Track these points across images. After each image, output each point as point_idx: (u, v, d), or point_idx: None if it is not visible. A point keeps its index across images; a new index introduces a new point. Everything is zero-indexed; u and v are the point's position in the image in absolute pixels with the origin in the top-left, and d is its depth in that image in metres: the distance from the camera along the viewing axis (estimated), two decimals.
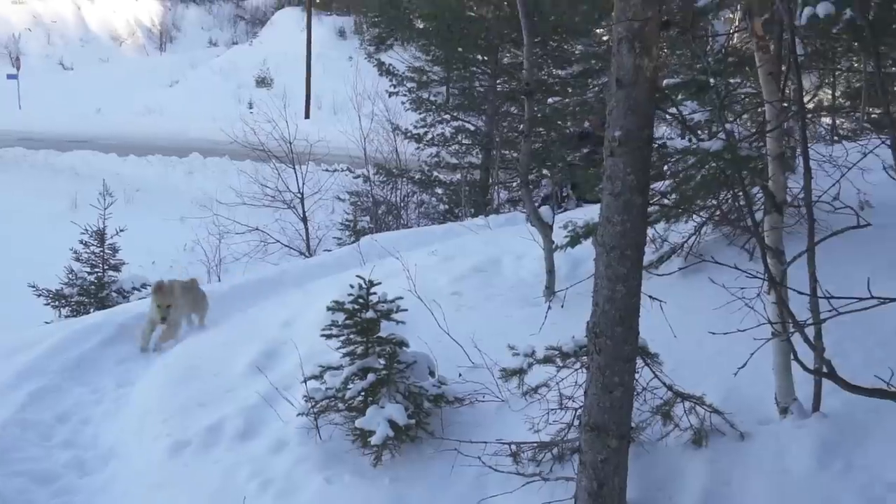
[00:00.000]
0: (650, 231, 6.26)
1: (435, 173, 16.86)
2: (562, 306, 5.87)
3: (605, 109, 3.25)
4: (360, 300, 4.95)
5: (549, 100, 15.42)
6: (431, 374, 5.08)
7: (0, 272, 15.12)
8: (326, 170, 17.81)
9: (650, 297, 3.88)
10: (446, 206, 16.90)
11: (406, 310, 5.16)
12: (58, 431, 6.26)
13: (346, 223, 15.48)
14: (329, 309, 5.11)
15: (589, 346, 3.41)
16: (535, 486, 3.97)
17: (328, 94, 28.33)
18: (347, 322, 4.95)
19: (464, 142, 16.79)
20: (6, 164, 22.06)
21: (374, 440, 4.54)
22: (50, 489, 5.46)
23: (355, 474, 4.60)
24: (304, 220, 16.35)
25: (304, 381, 5.14)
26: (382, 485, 4.45)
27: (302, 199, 16.19)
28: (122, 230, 11.94)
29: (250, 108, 26.47)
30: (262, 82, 31.53)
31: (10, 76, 28.01)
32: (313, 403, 5.00)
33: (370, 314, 4.89)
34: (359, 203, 17.13)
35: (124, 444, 5.94)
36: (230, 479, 4.67)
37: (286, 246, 15.77)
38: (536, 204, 11.98)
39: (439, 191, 17.12)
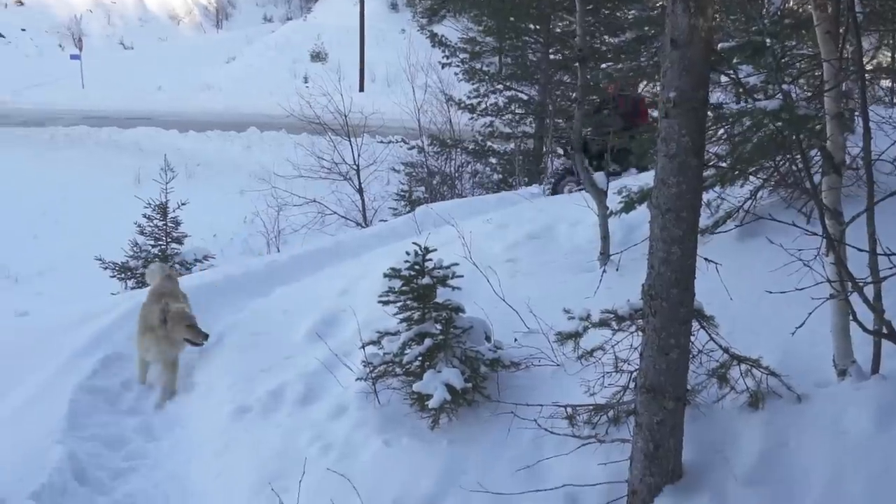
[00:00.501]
0: (706, 195, 6.20)
1: (489, 143, 16.82)
2: (616, 270, 5.83)
3: (660, 72, 3.21)
4: (417, 267, 4.98)
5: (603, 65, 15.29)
6: (487, 338, 5.10)
7: (69, 246, 15.57)
8: (381, 141, 17.87)
9: (706, 259, 3.85)
10: (500, 176, 16.88)
11: (462, 276, 5.17)
12: (125, 398, 6.44)
13: (402, 193, 15.56)
14: (386, 276, 5.14)
15: (644, 308, 3.39)
16: (590, 447, 3.97)
17: (381, 66, 28.34)
18: (404, 288, 4.98)
19: (517, 111, 16.72)
20: (72, 141, 22.53)
21: (431, 403, 4.58)
22: (120, 453, 5.63)
23: (413, 437, 4.65)
24: (360, 191, 16.50)
25: (363, 347, 5.19)
26: (440, 447, 4.49)
27: (357, 171, 16.33)
28: (183, 204, 12.15)
29: (305, 82, 26.63)
30: (317, 57, 31.65)
31: (73, 56, 28.54)
32: (371, 368, 5.06)
33: (426, 280, 4.92)
34: (413, 174, 17.21)
35: (189, 410, 6.09)
36: (291, 443, 4.76)
37: (343, 217, 15.94)
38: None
39: (493, 160, 17.10)
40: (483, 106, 16.51)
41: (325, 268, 9.24)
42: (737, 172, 4.47)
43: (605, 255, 6.16)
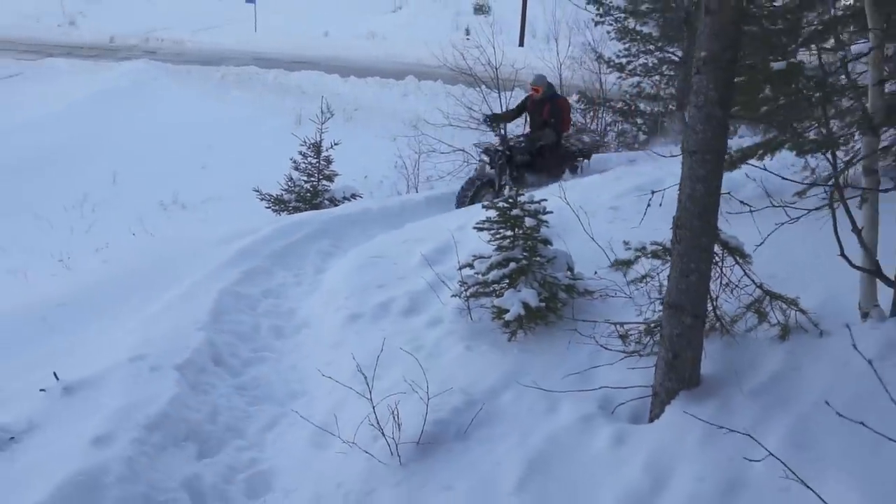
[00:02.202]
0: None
1: (636, 103, 17.17)
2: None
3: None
4: (510, 200, 5.77)
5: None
6: (570, 269, 5.85)
7: (232, 178, 17.10)
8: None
9: (741, 202, 4.44)
10: (646, 136, 17.21)
11: (551, 212, 5.93)
12: (262, 304, 7.54)
13: None
14: (484, 207, 5.98)
15: (672, 236, 4.06)
16: (633, 359, 4.69)
17: (542, 22, 28.74)
18: (497, 218, 5.79)
19: (666, 72, 16.94)
20: (241, 81, 24.29)
21: (507, 317, 5.40)
22: (250, 346, 6.72)
23: (491, 346, 5.48)
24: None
25: (460, 269, 6.05)
26: (511, 354, 5.30)
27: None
28: (336, 144, 13.25)
29: (467, 34, 27.44)
30: (480, 9, 32.39)
31: (248, 0, 30.40)
32: (465, 287, 5.91)
33: (516, 212, 5.70)
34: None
35: (314, 316, 7.13)
36: (390, 342, 5.66)
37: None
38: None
39: (639, 121, 17.43)
40: (632, 66, 16.83)
41: (453, 208, 10.20)
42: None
43: None
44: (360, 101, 23.13)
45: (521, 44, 28.76)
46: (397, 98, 23.69)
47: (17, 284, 10.27)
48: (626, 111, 17.24)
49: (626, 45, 16.91)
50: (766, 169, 5.09)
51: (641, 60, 16.89)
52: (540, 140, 11.39)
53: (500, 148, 11.38)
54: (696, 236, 3.93)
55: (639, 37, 16.88)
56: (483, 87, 17.43)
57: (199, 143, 19.52)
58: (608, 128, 17.93)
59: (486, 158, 11.62)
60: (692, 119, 3.82)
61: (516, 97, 17.52)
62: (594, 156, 12.46)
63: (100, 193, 17.01)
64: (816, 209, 4.35)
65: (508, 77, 17.12)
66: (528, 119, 12.01)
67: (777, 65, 3.79)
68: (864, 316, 4.37)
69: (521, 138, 11.78)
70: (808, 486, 2.95)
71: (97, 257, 10.90)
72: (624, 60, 16.79)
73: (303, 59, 26.40)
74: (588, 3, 17.38)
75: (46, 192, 17.07)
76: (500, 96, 17.24)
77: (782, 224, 4.30)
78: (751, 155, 6.64)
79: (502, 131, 11.67)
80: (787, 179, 4.70)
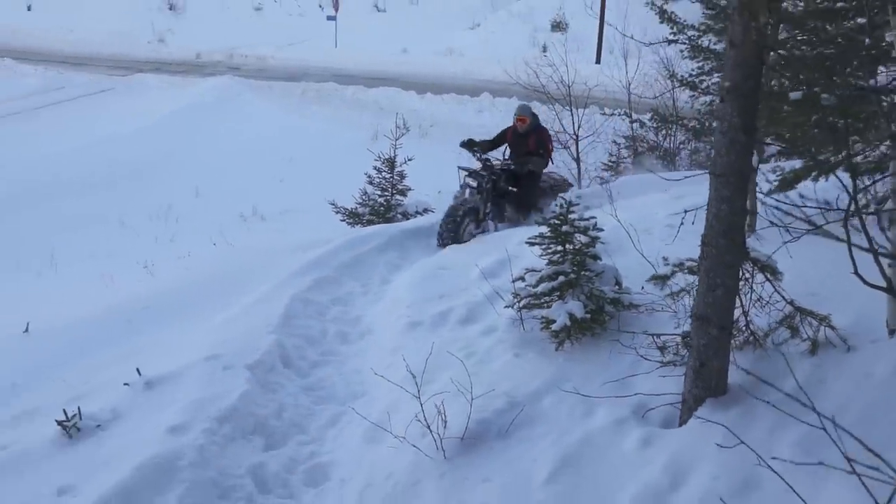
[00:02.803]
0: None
1: (709, 122, 17.29)
2: (757, 240, 6.67)
3: None
4: (561, 217, 6.14)
5: None
6: (617, 283, 6.18)
7: (308, 191, 17.78)
8: (602, 113, 18.84)
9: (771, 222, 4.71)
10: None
11: (602, 229, 6.27)
12: (330, 311, 8.04)
13: (611, 163, 16.45)
14: (536, 223, 6.36)
15: (700, 253, 4.38)
16: (669, 369, 5.01)
17: (620, 39, 28.95)
18: (549, 234, 6.16)
19: None
20: (320, 96, 25.12)
21: (554, 327, 5.77)
22: (318, 349, 7.22)
23: (539, 354, 5.85)
24: (577, 160, 17.66)
25: (513, 282, 6.43)
26: (556, 362, 5.66)
27: (577, 140, 17.42)
28: (409, 159, 13.75)
29: (544, 51, 27.81)
30: (557, 27, 32.70)
31: (329, 17, 31.31)
32: (518, 299, 6.29)
33: (566, 228, 6.07)
34: (631, 146, 18.05)
35: (377, 323, 7.60)
36: (445, 349, 6.08)
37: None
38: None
39: (713, 139, 17.54)
40: (705, 84, 16.97)
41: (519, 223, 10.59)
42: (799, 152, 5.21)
43: (750, 227, 6.98)
44: (435, 117, 23.69)
45: (598, 61, 29.00)
46: (472, 114, 24.17)
47: (105, 288, 11.01)
48: (699, 130, 17.38)
49: (700, 64, 17.07)
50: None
51: (715, 79, 17.02)
52: (529, 164, 10.77)
53: (484, 173, 10.73)
54: (722, 253, 4.25)
55: (712, 55, 17.03)
56: (556, 104, 17.85)
57: (278, 156, 20.29)
58: (680, 146, 18.12)
59: (472, 182, 10.79)
60: (717, 144, 4.15)
61: (589, 115, 17.89)
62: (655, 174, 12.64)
63: (183, 205, 17.87)
64: (819, 227, 4.59)
65: (581, 94, 17.50)
66: (510, 151, 11.25)
67: (794, 95, 4.10)
68: (892, 332, 4.61)
69: (509, 162, 11.03)
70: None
71: (179, 265, 11.58)
72: (696, 80, 16.95)
73: (381, 75, 27.11)
74: (661, 22, 17.60)
75: (133, 201, 18.02)
76: (572, 113, 17.62)
77: (798, 238, 4.57)
78: (803, 176, 6.87)
79: (485, 156, 11.08)
80: (801, 206, 4.93)
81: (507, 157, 11.25)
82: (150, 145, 20.97)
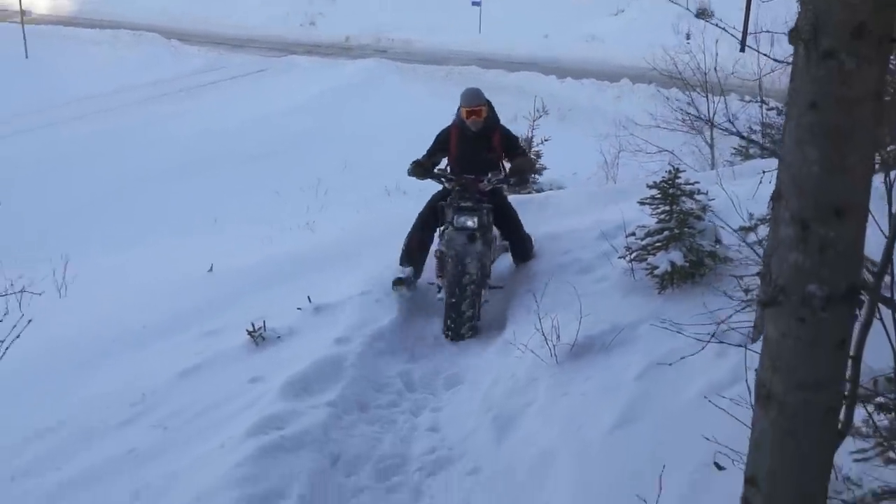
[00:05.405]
0: None
1: None
2: None
3: None
4: (668, 181, 7.31)
5: None
6: (718, 241, 7.30)
7: None
8: (741, 100, 19.61)
9: None
10: None
11: (706, 192, 7.40)
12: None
13: (740, 148, 17.27)
14: (647, 186, 7.56)
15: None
16: (751, 307, 6.13)
17: (768, 26, 29.20)
18: (657, 195, 7.35)
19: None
20: (463, 79, 26.27)
21: (657, 272, 6.96)
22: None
23: (643, 296, 7.05)
24: (711, 146, 18.56)
25: (626, 237, 7.64)
26: (655, 303, 6.85)
27: (711, 127, 18.28)
28: (546, 140, 15.02)
29: (687, 38, 28.46)
30: (703, 13, 33.06)
31: (474, 3, 32.78)
32: (630, 251, 7.50)
33: (672, 190, 7.24)
34: (769, 133, 18.75)
35: (513, 269, 8.94)
36: (565, 290, 7.38)
37: (690, 168, 18.03)
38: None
39: None
40: None
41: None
42: None
43: None
44: (574, 101, 24.86)
45: (743, 49, 29.39)
46: (610, 100, 25.23)
47: (266, 246, 12.77)
48: None
49: None
50: None
51: None
52: (526, 173, 9.24)
53: (485, 206, 8.26)
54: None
55: None
56: (695, 91, 18.77)
57: (422, 135, 21.84)
58: None
59: (469, 223, 7.98)
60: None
61: (728, 103, 18.66)
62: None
63: (332, 178, 19.72)
64: None
65: (721, 81, 18.34)
66: (458, 155, 8.55)
67: None
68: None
69: (499, 174, 8.46)
70: None
71: (335, 225, 13.26)
72: None
73: (523, 59, 28.48)
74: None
75: (287, 174, 20.03)
76: (707, 100, 18.51)
77: None
78: None
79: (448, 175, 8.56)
80: None
81: (445, 168, 8.72)
82: (302, 122, 23.02)
